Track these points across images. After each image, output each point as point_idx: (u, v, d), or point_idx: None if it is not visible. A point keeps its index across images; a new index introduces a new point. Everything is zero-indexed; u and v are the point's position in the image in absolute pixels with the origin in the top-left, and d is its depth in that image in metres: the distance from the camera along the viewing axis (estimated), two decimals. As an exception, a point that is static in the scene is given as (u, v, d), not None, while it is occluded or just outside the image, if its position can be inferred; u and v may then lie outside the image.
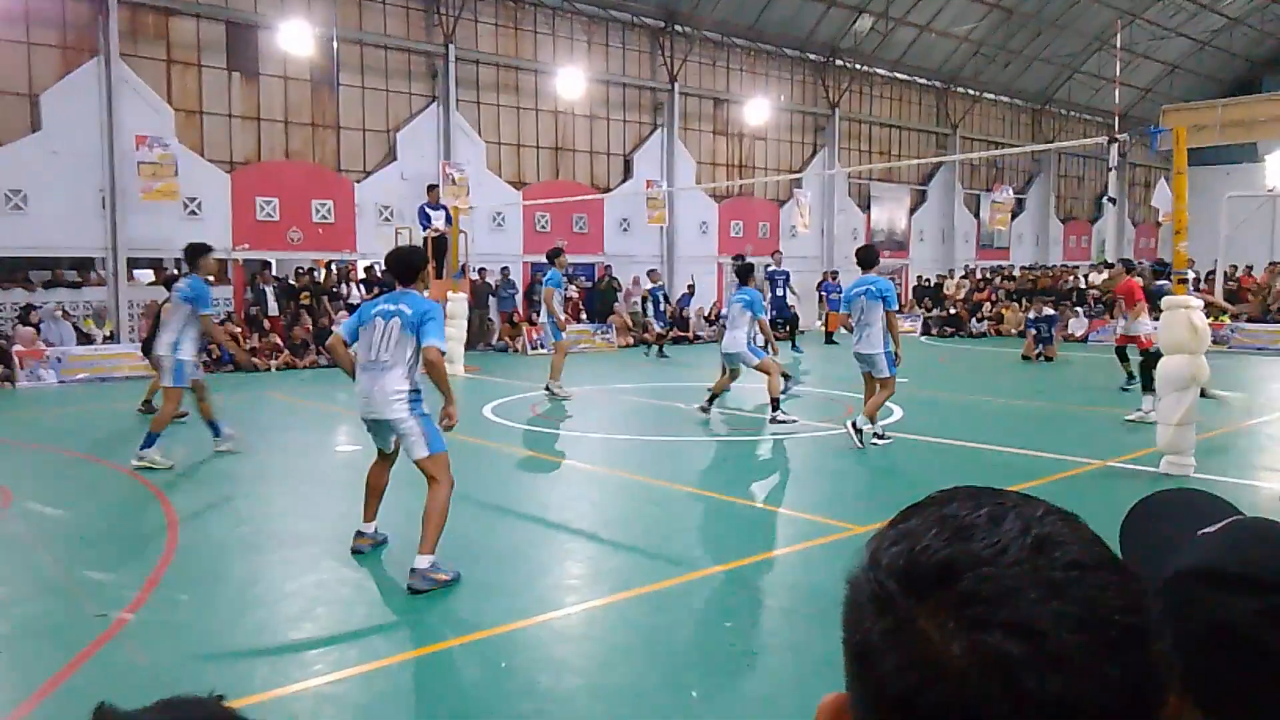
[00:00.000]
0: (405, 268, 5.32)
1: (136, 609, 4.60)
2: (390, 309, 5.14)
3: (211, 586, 5.02)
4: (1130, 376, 11.42)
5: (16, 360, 13.86)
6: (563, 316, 12.56)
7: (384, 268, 5.84)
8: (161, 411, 8.01)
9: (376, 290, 13.20)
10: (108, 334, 15.90)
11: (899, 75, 28.53)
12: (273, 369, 15.66)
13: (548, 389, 12.06)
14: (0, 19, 15.18)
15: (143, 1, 16.46)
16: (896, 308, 8.60)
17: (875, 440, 8.63)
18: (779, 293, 17.20)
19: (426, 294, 5.44)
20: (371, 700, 3.74)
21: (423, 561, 4.85)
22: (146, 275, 17.95)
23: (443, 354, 5.12)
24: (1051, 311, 18.08)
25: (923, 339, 22.82)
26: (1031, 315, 18.04)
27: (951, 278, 26.77)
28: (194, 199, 16.90)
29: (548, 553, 5.75)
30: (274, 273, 17.66)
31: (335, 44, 18.49)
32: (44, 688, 3.73)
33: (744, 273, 10.15)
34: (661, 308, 19.53)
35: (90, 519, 6.53)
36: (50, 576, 5.18)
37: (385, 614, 4.71)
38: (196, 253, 8.54)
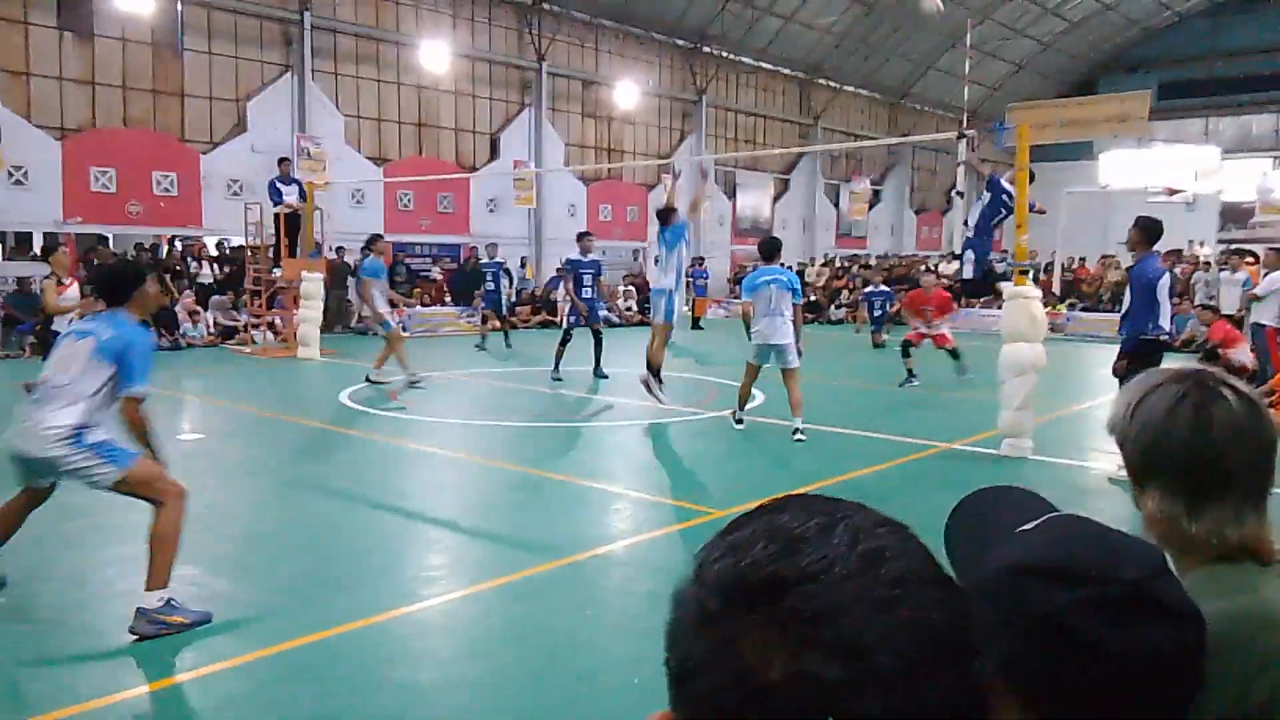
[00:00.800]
0: (116, 284, 4.35)
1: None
2: (87, 328, 4.24)
3: (36, 586, 4.64)
4: (911, 373, 11.85)
5: None
6: (383, 309, 11.46)
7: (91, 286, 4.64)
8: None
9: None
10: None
11: (764, 65, 29.07)
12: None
13: (370, 380, 11.27)
14: None
15: (-42, -52, 15.07)
16: (801, 300, 8.65)
17: (737, 425, 8.79)
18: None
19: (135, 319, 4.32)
20: (212, 705, 3.53)
21: (151, 599, 3.99)
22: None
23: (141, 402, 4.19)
24: (885, 288, 18.60)
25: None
26: (867, 290, 18.57)
27: (812, 265, 27.54)
28: (19, 167, 15.65)
29: (405, 543, 5.58)
30: (111, 247, 16.54)
31: (179, 5, 17.40)
32: None
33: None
34: (495, 288, 15.68)
35: None
36: None
37: (230, 611, 4.45)
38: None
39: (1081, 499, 6.50)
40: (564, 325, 12.38)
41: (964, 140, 13.89)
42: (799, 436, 8.19)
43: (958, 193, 26.92)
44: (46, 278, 9.72)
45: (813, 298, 24.79)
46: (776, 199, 30.89)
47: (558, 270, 19.22)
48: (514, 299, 19.91)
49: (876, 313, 17.54)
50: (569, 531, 5.77)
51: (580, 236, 13.07)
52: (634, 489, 6.85)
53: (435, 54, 20.97)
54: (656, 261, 10.39)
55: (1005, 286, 8.17)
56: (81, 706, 3.38)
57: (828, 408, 10.58)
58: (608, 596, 4.74)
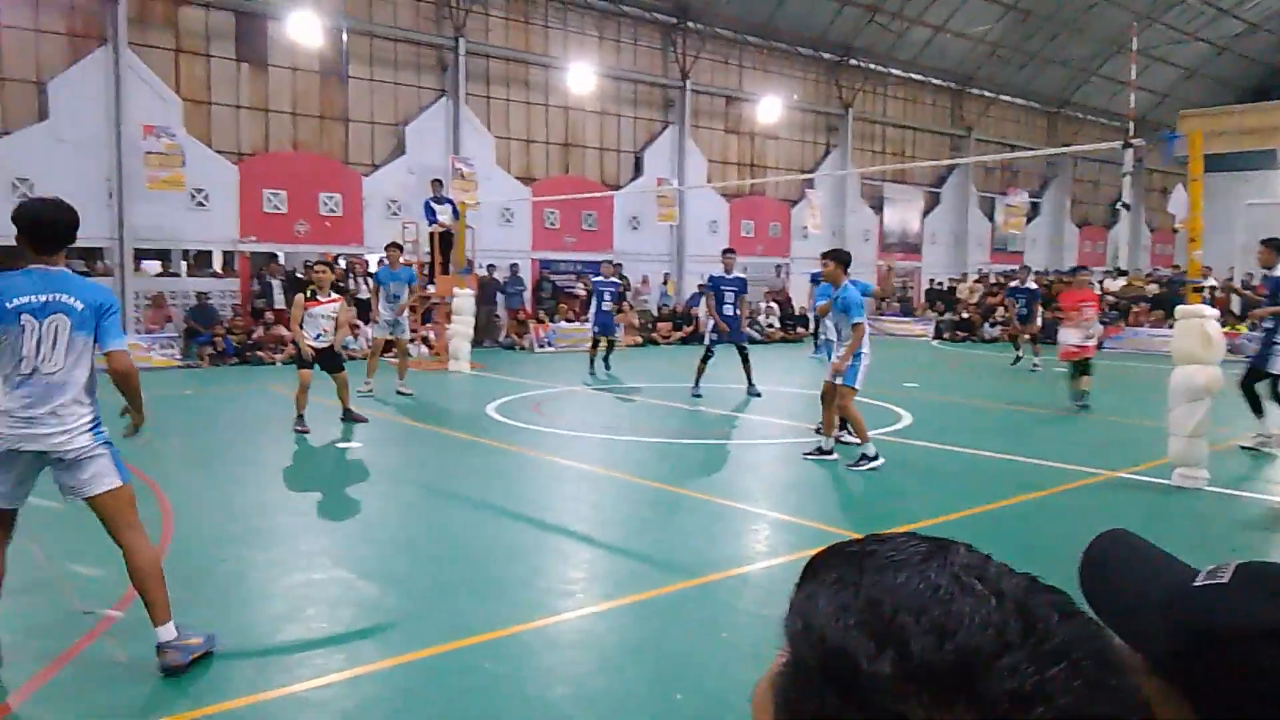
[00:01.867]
0: (51, 231, 3.85)
1: (125, 605, 4.51)
2: (45, 300, 3.74)
3: (201, 583, 4.94)
4: (1083, 395, 11.13)
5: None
6: (389, 315, 12.12)
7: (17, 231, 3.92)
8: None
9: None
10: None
11: (913, 76, 28.35)
12: (277, 363, 15.61)
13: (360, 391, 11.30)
14: (9, 4, 15.17)
15: (153, -10, 16.43)
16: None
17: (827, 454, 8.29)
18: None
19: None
20: (356, 706, 3.64)
21: (167, 632, 3.85)
22: (154, 266, 17.94)
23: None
24: (1034, 286, 17.62)
25: (935, 343, 22.65)
26: (1012, 285, 17.62)
27: (964, 281, 26.58)
28: (201, 190, 16.86)
29: (543, 556, 5.64)
30: (281, 263, 17.62)
31: (344, 35, 18.43)
32: (25, 687, 3.65)
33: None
34: (605, 307, 14.65)
35: (83, 511, 6.45)
36: (39, 570, 5.10)
37: (374, 617, 4.61)
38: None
39: (1266, 538, 5.96)
40: (705, 342, 12.30)
41: (1130, 150, 13.10)
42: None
43: (1124, 205, 25.44)
44: (300, 293, 9.73)
45: (965, 315, 23.92)
46: (926, 213, 30.01)
47: (699, 287, 19.21)
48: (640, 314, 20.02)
49: (1022, 310, 16.67)
50: (705, 551, 5.71)
51: (724, 253, 12.90)
52: (772, 510, 6.73)
53: (581, 75, 21.43)
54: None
55: (1179, 307, 7.60)
56: (230, 703, 3.55)
57: (982, 429, 10.13)
58: (742, 620, 4.65)
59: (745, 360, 12.07)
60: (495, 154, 20.78)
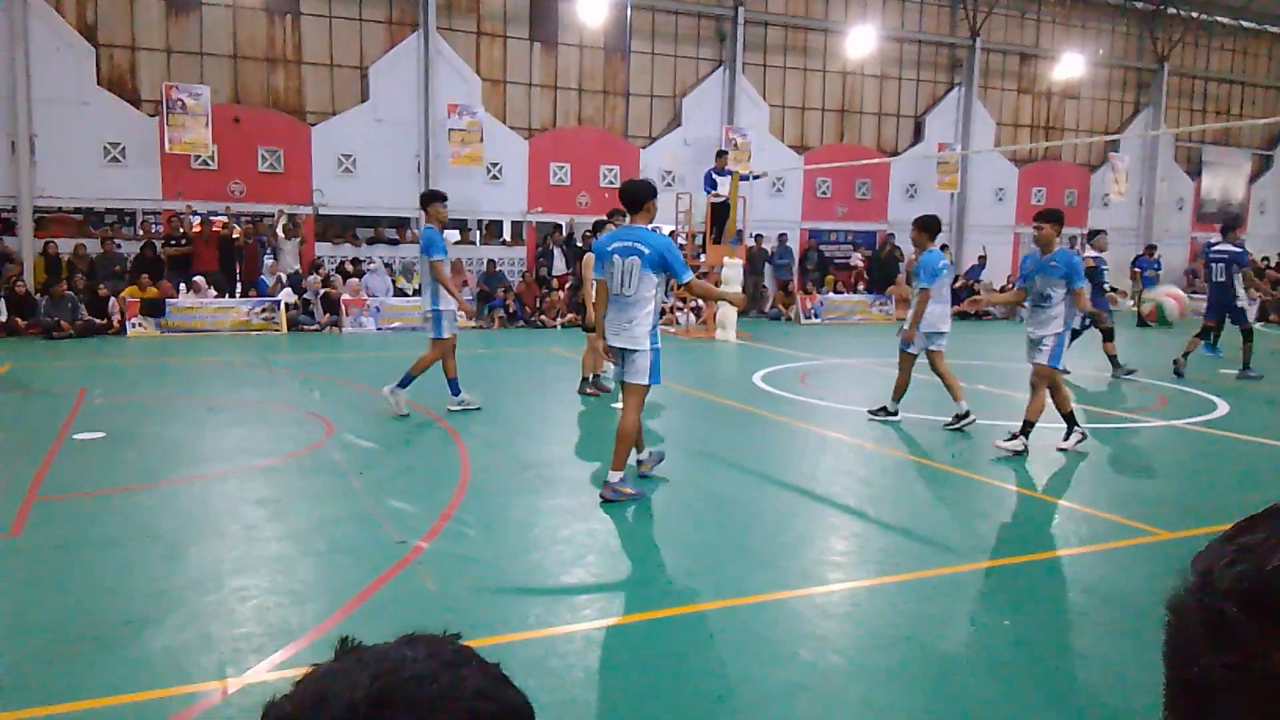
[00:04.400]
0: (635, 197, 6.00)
1: (431, 538, 4.99)
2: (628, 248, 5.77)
3: (495, 525, 5.36)
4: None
5: (343, 308, 15.57)
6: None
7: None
8: (423, 359, 8.34)
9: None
10: (415, 288, 17.47)
11: (1245, 23, 24.97)
12: (559, 326, 16.52)
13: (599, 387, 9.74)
14: None
15: (460, -22, 17.76)
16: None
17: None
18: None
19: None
20: (635, 649, 3.81)
21: (615, 476, 5.73)
22: (453, 235, 19.53)
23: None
24: (1233, 247, 11.68)
25: (1260, 326, 20.04)
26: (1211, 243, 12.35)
27: (1297, 255, 23.27)
28: (495, 164, 18.11)
29: (813, 526, 5.60)
30: (564, 233, 18.58)
31: (629, 10, 18.99)
32: (349, 604, 4.13)
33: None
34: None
35: (397, 453, 7.20)
36: (362, 503, 5.75)
37: (650, 569, 4.79)
38: (427, 200, 8.70)
39: None
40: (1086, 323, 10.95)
41: None
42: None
43: None
44: (588, 253, 9.23)
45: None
46: (1254, 178, 26.48)
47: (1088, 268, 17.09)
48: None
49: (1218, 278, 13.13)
50: (983, 534, 5.43)
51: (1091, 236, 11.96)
52: (1059, 496, 6.27)
53: (863, 39, 20.77)
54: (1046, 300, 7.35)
55: None
56: (523, 634, 3.83)
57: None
58: (1026, 606, 4.38)
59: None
60: (769, 123, 20.66)
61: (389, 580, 4.41)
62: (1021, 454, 7.12)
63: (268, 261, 16.37)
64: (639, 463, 6.32)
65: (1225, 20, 24.75)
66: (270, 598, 4.20)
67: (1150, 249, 20.32)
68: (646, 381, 5.75)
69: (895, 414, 8.53)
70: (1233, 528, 0.53)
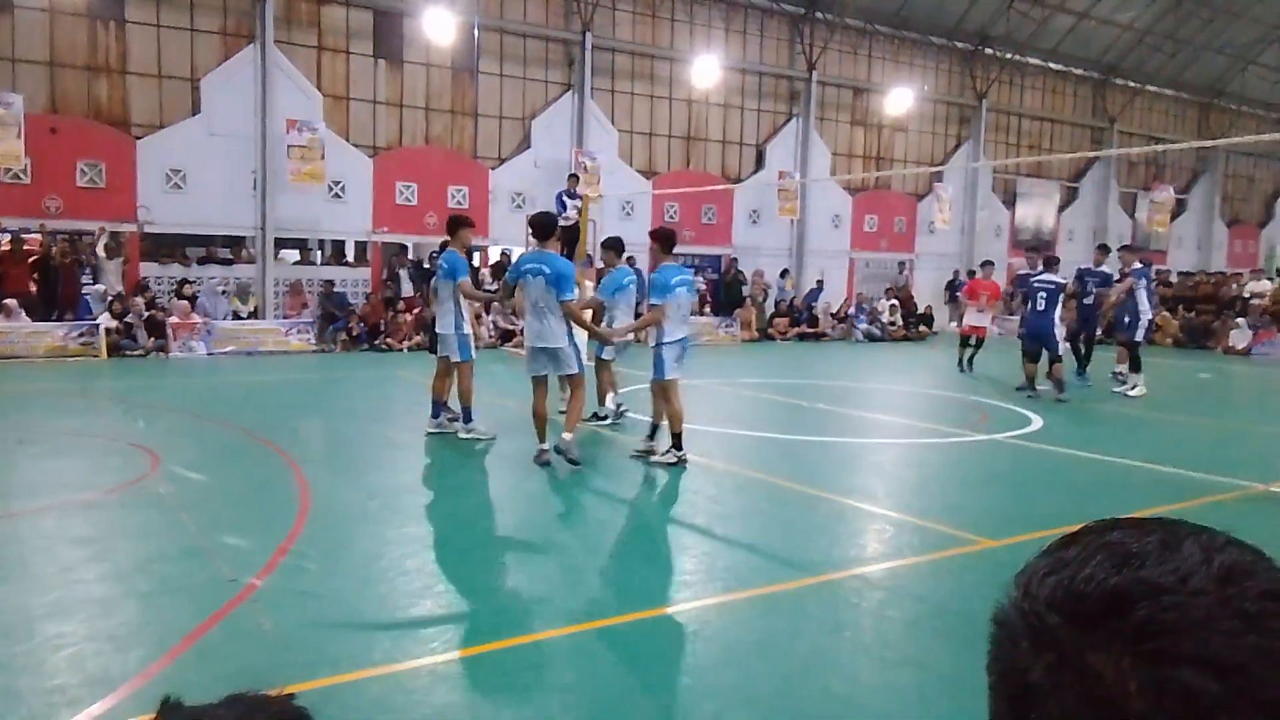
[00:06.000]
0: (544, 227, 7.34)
1: (267, 574, 4.75)
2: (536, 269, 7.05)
3: (338, 557, 5.15)
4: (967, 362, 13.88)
5: (171, 331, 14.72)
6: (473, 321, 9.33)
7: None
8: (462, 387, 8.31)
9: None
10: (251, 310, 16.72)
11: (1053, 65, 27.14)
12: (405, 349, 16.14)
13: (446, 423, 8.78)
14: (167, 5, 16.13)
15: (299, -9, 17.20)
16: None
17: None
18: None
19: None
20: (484, 681, 3.73)
21: (567, 436, 6.94)
22: (292, 255, 18.82)
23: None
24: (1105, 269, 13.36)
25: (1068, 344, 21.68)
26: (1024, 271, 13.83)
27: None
28: (339, 182, 17.58)
29: (660, 547, 5.66)
30: (410, 256, 18.20)
31: (476, 31, 18.88)
32: (176, 648, 3.88)
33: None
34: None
35: (230, 485, 6.84)
36: (191, 538, 5.42)
37: (500, 597, 4.72)
38: (456, 225, 8.43)
39: None
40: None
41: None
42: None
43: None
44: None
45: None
46: (1063, 208, 28.73)
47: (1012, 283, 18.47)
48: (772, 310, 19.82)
49: (1086, 300, 13.65)
50: (826, 549, 5.63)
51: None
52: (896, 510, 6.57)
53: (706, 68, 21.36)
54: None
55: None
56: (368, 672, 3.69)
57: (1118, 435, 9.66)
58: (863, 620, 4.56)
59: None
60: (618, 147, 20.93)
61: (221, 620, 4.17)
62: (676, 465, 7.40)
63: (98, 288, 15.23)
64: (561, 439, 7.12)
65: (1036, 61, 26.82)
66: (88, 645, 3.90)
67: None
68: (578, 370, 7.28)
69: (605, 417, 9.35)
70: (1051, 544, 0.57)
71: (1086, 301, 12.96)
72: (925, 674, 3.92)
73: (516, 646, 4.05)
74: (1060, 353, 11.91)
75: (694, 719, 3.48)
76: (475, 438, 8.33)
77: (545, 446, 7.28)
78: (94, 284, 15.31)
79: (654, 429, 7.90)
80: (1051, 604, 0.52)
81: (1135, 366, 12.34)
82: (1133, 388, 12.09)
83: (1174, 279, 24.59)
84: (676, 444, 7.48)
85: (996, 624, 0.56)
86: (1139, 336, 12.37)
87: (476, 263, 18.72)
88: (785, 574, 5.10)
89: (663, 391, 7.57)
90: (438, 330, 8.62)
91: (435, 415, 8.95)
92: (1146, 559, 0.52)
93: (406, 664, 3.80)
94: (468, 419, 8.37)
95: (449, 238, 8.42)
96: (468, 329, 8.35)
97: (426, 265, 17.82)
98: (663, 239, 7.86)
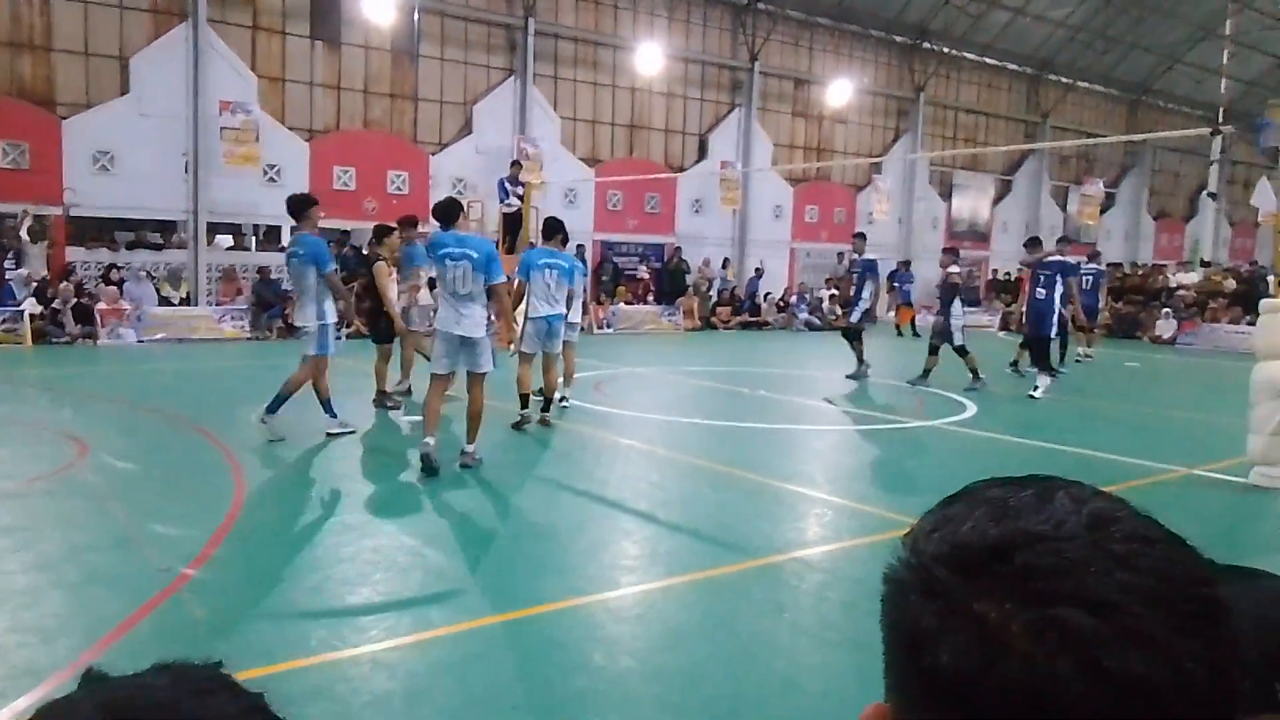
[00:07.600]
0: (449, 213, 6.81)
1: (200, 565, 4.65)
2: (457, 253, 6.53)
3: (273, 546, 5.07)
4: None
5: (99, 318, 14.28)
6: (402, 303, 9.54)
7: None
8: (298, 375, 7.66)
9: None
10: (183, 296, 16.30)
11: (989, 60, 27.67)
12: (343, 337, 15.85)
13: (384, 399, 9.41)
14: (97, -17, 15.59)
15: (233, -31, 16.74)
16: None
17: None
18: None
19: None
20: (424, 668, 3.70)
21: (469, 447, 6.63)
22: (226, 240, 18.36)
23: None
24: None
25: (1001, 334, 22.20)
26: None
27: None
28: (274, 166, 17.20)
29: (604, 532, 5.67)
30: (351, 243, 17.89)
31: (417, 14, 18.59)
32: (105, 639, 3.78)
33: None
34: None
35: (161, 474, 6.67)
36: (121, 528, 5.28)
37: (440, 584, 4.68)
38: (303, 205, 7.65)
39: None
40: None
41: (1218, 138, 12.69)
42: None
43: (1210, 194, 24.51)
44: (379, 261, 9.32)
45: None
46: (997, 201, 29.35)
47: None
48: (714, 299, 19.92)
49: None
50: (767, 533, 5.69)
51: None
52: (835, 495, 6.67)
53: (649, 56, 21.33)
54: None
55: (1265, 301, 7.32)
56: (303, 661, 3.64)
57: (1050, 421, 9.92)
58: (804, 601, 4.62)
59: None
60: (561, 135, 20.81)
61: (152, 610, 4.07)
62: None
63: (22, 273, 14.68)
64: (463, 452, 6.84)
65: (972, 56, 27.31)
66: (12, 636, 3.78)
67: (905, 264, 22.10)
68: (491, 368, 6.72)
69: (564, 399, 9.61)
70: (936, 505, 0.60)
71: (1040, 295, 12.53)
72: (863, 654, 3.98)
73: (458, 633, 4.02)
74: (962, 344, 11.74)
75: (639, 701, 3.49)
76: (340, 432, 7.84)
77: (432, 441, 6.60)
78: (17, 269, 14.79)
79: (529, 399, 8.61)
80: (938, 558, 0.55)
81: (1039, 362, 11.58)
82: (1035, 388, 11.25)
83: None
84: (523, 404, 8.52)
85: (888, 582, 0.58)
86: (1050, 332, 11.76)
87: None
88: (727, 557, 5.15)
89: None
90: (295, 322, 8.01)
91: (380, 401, 8.90)
92: (1023, 511, 0.55)
93: (345, 652, 3.75)
94: (329, 411, 7.80)
95: (296, 222, 7.72)
96: (331, 319, 7.64)
97: (365, 251, 17.53)
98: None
